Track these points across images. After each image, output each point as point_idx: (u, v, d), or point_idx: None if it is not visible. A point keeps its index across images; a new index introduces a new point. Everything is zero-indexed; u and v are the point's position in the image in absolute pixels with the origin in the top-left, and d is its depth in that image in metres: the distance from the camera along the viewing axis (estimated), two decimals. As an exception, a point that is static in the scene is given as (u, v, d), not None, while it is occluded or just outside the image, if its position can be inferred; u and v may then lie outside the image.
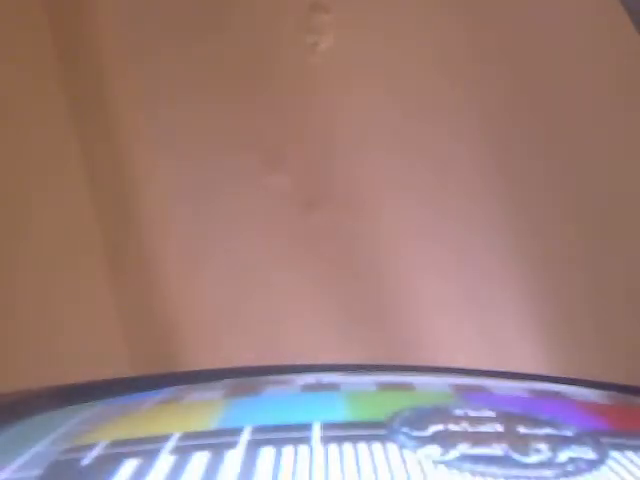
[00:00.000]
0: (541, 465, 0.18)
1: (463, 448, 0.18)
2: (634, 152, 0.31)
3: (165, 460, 0.18)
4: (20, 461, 0.19)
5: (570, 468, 0.17)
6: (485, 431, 0.19)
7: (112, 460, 0.18)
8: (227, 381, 0.25)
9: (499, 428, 0.19)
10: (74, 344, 0.30)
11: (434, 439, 0.18)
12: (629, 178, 0.31)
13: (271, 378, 0.25)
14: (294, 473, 0.17)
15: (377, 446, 0.18)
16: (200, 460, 0.18)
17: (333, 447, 0.18)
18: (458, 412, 0.20)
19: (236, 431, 0.19)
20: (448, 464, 0.17)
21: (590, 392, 0.24)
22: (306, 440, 0.18)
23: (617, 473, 0.17)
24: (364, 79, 0.31)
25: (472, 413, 0.20)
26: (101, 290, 0.31)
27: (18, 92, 0.31)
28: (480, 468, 0.17)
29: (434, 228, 0.31)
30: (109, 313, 0.31)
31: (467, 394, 0.23)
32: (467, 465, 0.17)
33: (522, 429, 0.19)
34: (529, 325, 0.30)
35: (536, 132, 0.31)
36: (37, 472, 0.18)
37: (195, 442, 0.18)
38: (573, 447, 0.18)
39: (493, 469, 0.17)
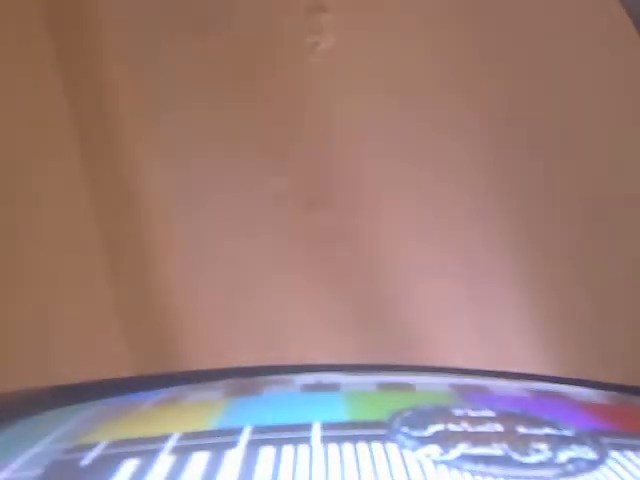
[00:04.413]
0: (541, 465, 0.18)
1: (463, 448, 0.18)
2: (633, 152, 0.31)
3: (165, 460, 0.18)
4: (20, 461, 0.19)
5: (570, 468, 0.17)
6: (485, 431, 0.19)
7: (112, 460, 0.18)
8: (227, 381, 0.25)
9: (499, 428, 0.19)
10: (74, 344, 0.30)
11: (434, 439, 0.18)
12: (630, 178, 0.31)
13: (271, 378, 0.25)
14: (294, 473, 0.17)
15: (377, 446, 0.18)
16: (200, 460, 0.18)
17: (333, 447, 0.18)
18: (458, 412, 0.20)
19: (236, 431, 0.19)
20: (448, 464, 0.17)
21: (590, 392, 0.24)
22: (306, 440, 0.18)
23: (617, 473, 0.17)
24: (364, 79, 0.31)
25: (472, 413, 0.20)
26: (101, 290, 0.31)
27: (19, 96, 0.31)
28: (480, 468, 0.17)
29: (434, 228, 0.31)
30: (109, 313, 0.31)
31: (467, 394, 0.23)
32: (467, 465, 0.17)
33: (522, 429, 0.19)
34: (529, 325, 0.30)
35: (538, 132, 0.31)
36: (37, 472, 0.18)
37: (195, 442, 0.18)
38: (573, 447, 0.18)
39: (493, 469, 0.17)
